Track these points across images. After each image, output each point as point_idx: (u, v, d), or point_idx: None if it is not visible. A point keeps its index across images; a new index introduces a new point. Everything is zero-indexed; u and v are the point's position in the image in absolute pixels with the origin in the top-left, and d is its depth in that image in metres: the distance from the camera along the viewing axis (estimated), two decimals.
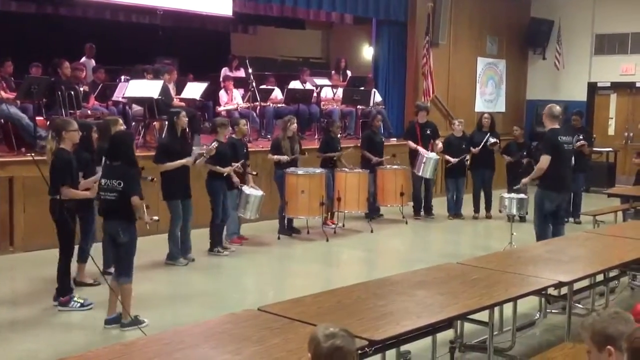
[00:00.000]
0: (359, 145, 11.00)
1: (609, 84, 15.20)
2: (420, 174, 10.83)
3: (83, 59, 11.57)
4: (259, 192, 8.82)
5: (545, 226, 7.58)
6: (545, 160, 7.39)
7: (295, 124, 9.50)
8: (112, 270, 7.10)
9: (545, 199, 7.49)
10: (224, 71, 13.37)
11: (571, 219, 10.52)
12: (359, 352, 3.21)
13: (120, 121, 7.47)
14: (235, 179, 8.62)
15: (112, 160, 5.87)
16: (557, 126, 7.52)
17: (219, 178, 8.41)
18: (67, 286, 6.37)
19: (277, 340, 3.55)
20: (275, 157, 9.35)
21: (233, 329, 3.75)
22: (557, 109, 7.59)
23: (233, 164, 8.46)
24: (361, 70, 15.68)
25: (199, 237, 8.54)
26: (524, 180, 7.87)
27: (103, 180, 5.82)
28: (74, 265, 6.64)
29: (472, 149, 11.06)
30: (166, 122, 9.82)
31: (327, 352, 2.74)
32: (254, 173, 9.09)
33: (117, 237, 5.79)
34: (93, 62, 11.79)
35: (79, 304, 6.30)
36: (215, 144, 8.20)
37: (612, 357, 2.73)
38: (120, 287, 5.79)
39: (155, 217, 6.04)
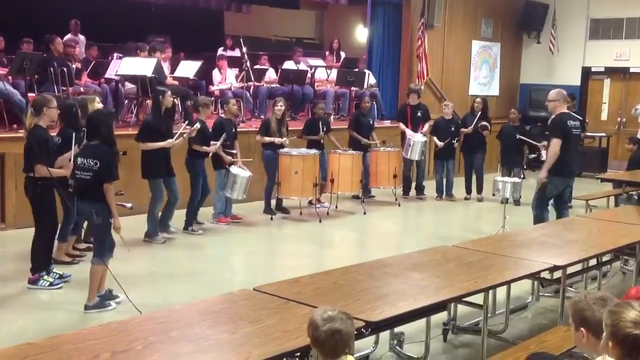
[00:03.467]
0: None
1: (602, 69, 15.21)
2: (408, 156, 10.86)
3: (68, 36, 11.41)
4: (247, 173, 8.79)
5: (544, 210, 7.55)
6: (556, 144, 7.28)
7: (282, 106, 9.42)
8: (80, 245, 7.14)
9: (550, 183, 7.45)
10: (220, 50, 13.27)
11: None
12: (355, 333, 3.20)
13: (98, 99, 7.31)
14: (227, 158, 8.60)
15: (90, 139, 5.75)
16: (566, 110, 7.49)
17: (200, 157, 8.39)
18: (40, 265, 6.28)
19: (274, 320, 3.54)
20: (268, 138, 9.30)
21: (229, 309, 3.73)
22: (565, 92, 7.58)
23: (212, 142, 8.41)
24: (355, 51, 15.59)
25: (182, 216, 8.54)
26: (542, 176, 7.47)
27: (80, 159, 5.69)
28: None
29: (462, 129, 11.08)
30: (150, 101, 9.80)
31: (325, 336, 2.76)
32: (234, 151, 8.91)
33: (91, 219, 5.69)
34: (82, 38, 11.64)
35: (47, 283, 6.22)
36: (198, 125, 8.15)
37: (585, 339, 2.85)
38: (90, 267, 5.71)
39: (128, 205, 5.92)
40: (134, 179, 8.18)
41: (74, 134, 6.27)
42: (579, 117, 8.30)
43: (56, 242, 6.73)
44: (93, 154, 5.59)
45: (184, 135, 8.02)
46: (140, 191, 8.17)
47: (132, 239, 7.74)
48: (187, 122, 8.30)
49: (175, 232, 8.20)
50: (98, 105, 7.06)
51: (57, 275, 6.32)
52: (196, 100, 8.97)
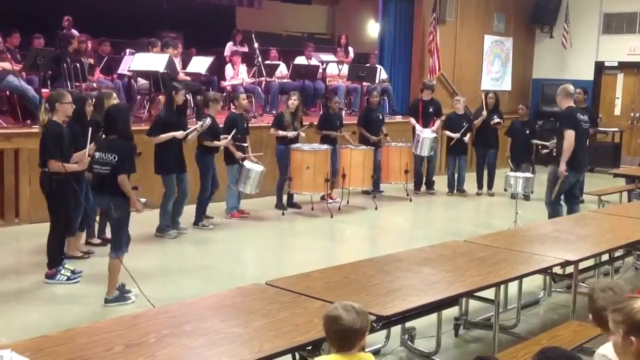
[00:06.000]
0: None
1: (616, 64, 15.08)
2: (417, 152, 10.86)
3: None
4: (260, 167, 8.83)
5: (558, 205, 7.53)
6: (571, 136, 7.26)
7: (295, 100, 9.42)
8: (95, 241, 7.19)
9: (561, 178, 7.43)
10: (229, 46, 13.30)
11: None
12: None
13: (114, 95, 7.38)
14: (238, 153, 8.64)
15: (108, 134, 5.84)
16: (572, 104, 7.48)
17: (210, 153, 8.42)
18: (56, 259, 6.32)
19: (285, 314, 3.57)
20: (281, 132, 9.33)
21: (240, 303, 3.76)
22: (572, 87, 7.56)
23: (222, 137, 8.45)
24: (367, 46, 15.60)
25: (192, 211, 8.58)
26: (562, 169, 7.37)
27: (97, 154, 5.78)
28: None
29: (474, 122, 11.06)
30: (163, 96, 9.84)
31: (340, 328, 2.83)
32: (246, 144, 8.95)
33: (109, 212, 5.75)
34: (75, 33, 11.59)
35: (65, 277, 6.27)
36: (208, 120, 8.18)
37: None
38: (109, 262, 5.75)
39: (143, 200, 5.97)
40: (146, 175, 8.20)
41: (90, 129, 6.29)
42: (588, 112, 8.26)
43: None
44: (111, 148, 5.69)
45: (197, 129, 8.05)
46: (152, 187, 8.21)
47: (143, 233, 7.81)
48: (201, 120, 8.30)
49: (185, 228, 8.21)
50: (115, 101, 7.11)
51: (70, 272, 6.35)
52: (206, 96, 8.99)
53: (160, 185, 8.00)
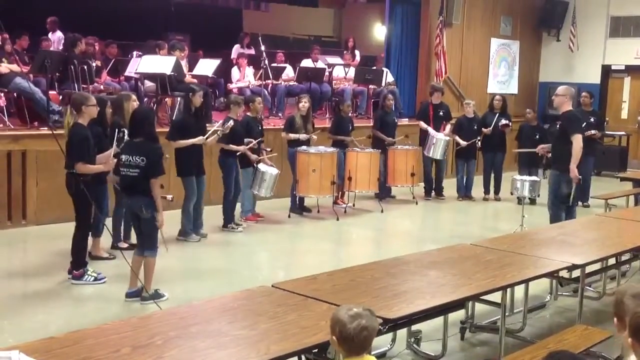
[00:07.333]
0: (371, 125, 10.97)
1: (623, 67, 15.04)
2: (430, 155, 10.84)
3: (50, 35, 11.44)
4: (275, 170, 8.85)
5: (559, 209, 7.52)
6: (580, 139, 7.19)
7: (306, 102, 9.45)
8: (122, 245, 7.19)
9: (563, 182, 7.40)
10: (236, 48, 13.32)
11: (580, 203, 10.49)
12: None
13: (134, 97, 7.46)
14: (253, 156, 8.65)
15: (134, 137, 5.88)
16: (571, 108, 7.46)
17: (231, 155, 8.46)
18: (82, 260, 6.40)
19: (292, 316, 3.57)
20: (293, 135, 9.34)
21: (248, 305, 3.77)
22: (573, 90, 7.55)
23: (246, 141, 8.48)
24: (373, 49, 15.61)
25: (212, 214, 8.59)
26: (575, 174, 7.19)
27: (124, 157, 5.82)
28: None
29: (483, 129, 11.03)
30: (178, 99, 9.90)
31: (354, 333, 2.78)
32: (269, 149, 9.09)
33: (140, 213, 5.80)
34: (59, 35, 11.58)
35: (92, 278, 6.33)
36: (231, 123, 8.21)
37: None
38: (144, 260, 5.85)
39: (169, 196, 6.03)
40: (166, 177, 8.21)
41: (116, 131, 6.33)
42: (595, 115, 8.21)
43: (91, 238, 6.81)
44: (139, 150, 5.72)
45: (218, 132, 8.07)
46: (169, 189, 8.18)
47: (165, 236, 7.78)
48: (221, 121, 8.33)
49: (205, 234, 8.16)
50: (134, 103, 7.16)
51: (92, 278, 6.38)
52: (228, 98, 9.06)
53: (178, 187, 8.00)
